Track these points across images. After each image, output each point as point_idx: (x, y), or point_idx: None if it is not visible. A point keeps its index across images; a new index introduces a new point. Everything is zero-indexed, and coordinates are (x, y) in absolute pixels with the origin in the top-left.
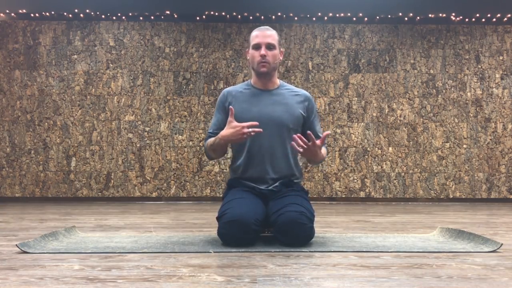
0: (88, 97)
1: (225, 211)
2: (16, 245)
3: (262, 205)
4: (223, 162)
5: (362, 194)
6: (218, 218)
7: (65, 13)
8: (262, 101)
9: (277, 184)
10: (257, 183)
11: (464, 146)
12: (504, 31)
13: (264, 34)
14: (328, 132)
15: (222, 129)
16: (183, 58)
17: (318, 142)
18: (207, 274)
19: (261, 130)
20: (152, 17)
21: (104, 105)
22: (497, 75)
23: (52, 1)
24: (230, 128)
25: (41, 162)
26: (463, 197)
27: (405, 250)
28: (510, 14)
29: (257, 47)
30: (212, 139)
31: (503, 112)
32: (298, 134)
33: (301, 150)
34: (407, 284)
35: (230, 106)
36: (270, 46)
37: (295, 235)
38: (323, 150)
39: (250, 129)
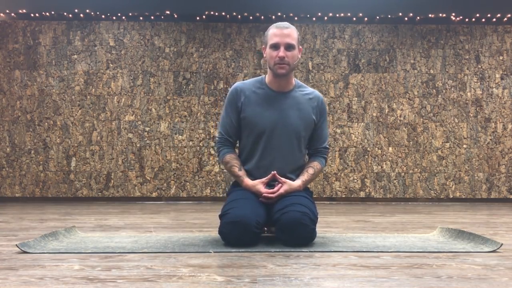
0: (88, 97)
1: (227, 211)
2: (16, 245)
3: (264, 207)
4: None
5: (362, 194)
6: (220, 216)
7: (65, 13)
8: (275, 105)
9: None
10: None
11: (464, 146)
12: (504, 31)
13: (283, 33)
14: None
15: (236, 130)
16: (183, 58)
17: (281, 190)
18: (207, 274)
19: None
20: (152, 17)
21: (104, 105)
22: (497, 75)
23: (52, 1)
24: (255, 190)
25: (41, 162)
26: (463, 197)
27: (405, 250)
28: (510, 14)
29: (275, 46)
30: (234, 164)
31: (503, 112)
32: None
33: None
34: (407, 284)
35: (275, 175)
36: (289, 47)
37: (296, 235)
38: (305, 177)
39: (269, 200)
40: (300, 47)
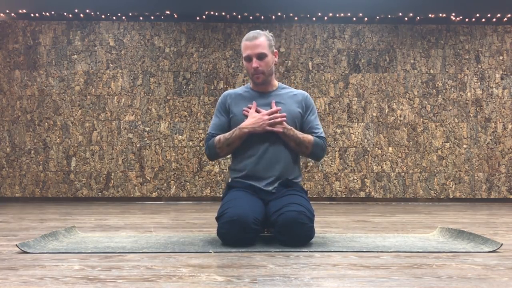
0: (88, 97)
1: (224, 211)
2: (16, 245)
3: (261, 205)
4: (223, 162)
5: (362, 194)
6: (217, 218)
7: (65, 13)
8: (260, 102)
9: (276, 185)
10: (258, 181)
11: (464, 146)
12: (504, 31)
13: (254, 44)
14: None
15: (224, 130)
16: (183, 58)
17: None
18: (207, 274)
19: (284, 115)
20: (152, 17)
21: (104, 105)
22: (497, 75)
23: (52, 1)
24: (251, 118)
25: (41, 162)
26: (463, 197)
27: (405, 250)
28: (510, 14)
29: (248, 59)
30: (222, 135)
31: (503, 112)
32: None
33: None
34: (407, 284)
35: (254, 102)
36: (261, 56)
37: (295, 234)
38: (297, 135)
39: (271, 116)
40: (275, 50)
